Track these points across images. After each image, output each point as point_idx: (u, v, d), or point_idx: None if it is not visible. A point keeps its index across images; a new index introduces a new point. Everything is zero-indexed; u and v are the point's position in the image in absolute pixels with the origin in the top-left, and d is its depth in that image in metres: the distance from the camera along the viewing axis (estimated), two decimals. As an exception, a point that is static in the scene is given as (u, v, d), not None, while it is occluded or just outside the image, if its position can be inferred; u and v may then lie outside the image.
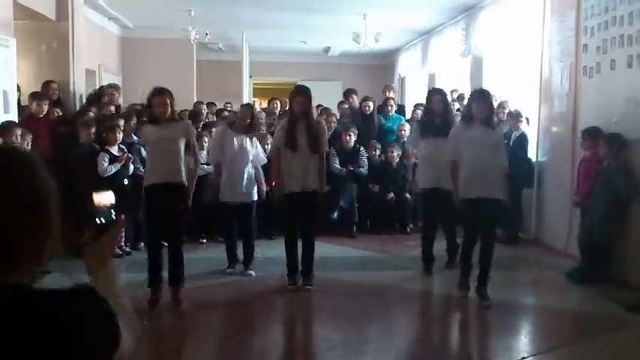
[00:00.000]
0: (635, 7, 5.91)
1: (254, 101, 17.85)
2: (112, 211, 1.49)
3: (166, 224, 5.30)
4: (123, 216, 6.82)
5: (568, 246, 6.93)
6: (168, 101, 5.29)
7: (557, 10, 7.52)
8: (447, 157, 5.57)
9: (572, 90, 7.11)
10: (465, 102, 9.62)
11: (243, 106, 6.99)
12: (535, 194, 7.88)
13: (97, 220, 1.46)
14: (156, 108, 5.28)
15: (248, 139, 6.38)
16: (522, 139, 7.83)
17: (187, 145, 5.35)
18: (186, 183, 5.32)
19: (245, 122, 6.38)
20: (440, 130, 6.03)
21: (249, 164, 6.35)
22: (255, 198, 6.40)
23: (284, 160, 5.78)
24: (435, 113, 6.32)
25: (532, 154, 7.98)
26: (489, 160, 5.30)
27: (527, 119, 8.08)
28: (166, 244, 5.67)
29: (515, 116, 7.95)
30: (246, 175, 6.29)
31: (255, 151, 6.46)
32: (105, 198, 1.48)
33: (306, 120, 5.73)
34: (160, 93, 5.30)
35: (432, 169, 6.18)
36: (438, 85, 12.73)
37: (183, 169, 5.29)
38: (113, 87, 8.69)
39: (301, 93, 5.81)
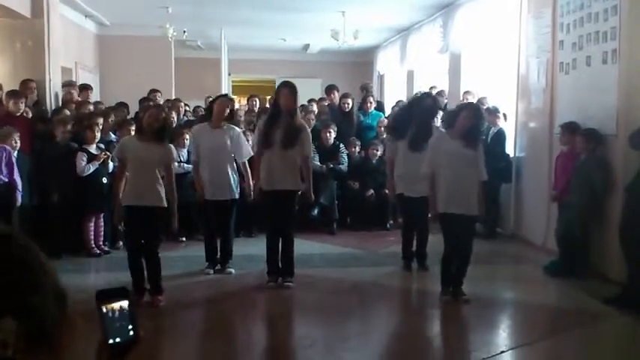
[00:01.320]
0: (609, 3, 5.98)
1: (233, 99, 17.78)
2: (129, 322, 1.09)
3: (145, 236, 5.29)
4: (102, 215, 6.87)
5: (546, 240, 7.00)
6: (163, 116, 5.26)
7: (534, 7, 7.59)
8: (425, 170, 5.48)
9: (549, 86, 7.18)
10: (445, 98, 9.74)
11: (220, 97, 6.58)
12: (513, 189, 7.95)
13: (110, 339, 1.07)
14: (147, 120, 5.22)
15: (227, 134, 6.14)
16: (500, 135, 7.90)
17: (165, 169, 5.30)
18: (165, 206, 5.24)
19: (223, 115, 6.14)
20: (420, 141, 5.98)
21: (230, 160, 6.16)
22: (237, 196, 6.21)
23: (262, 157, 5.75)
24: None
25: (510, 149, 8.04)
26: (468, 176, 5.26)
27: (504, 115, 8.15)
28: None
29: (493, 112, 8.01)
30: (225, 172, 6.10)
31: (238, 144, 6.19)
32: (115, 301, 1.09)
33: (288, 117, 5.64)
34: (157, 107, 5.30)
35: (407, 178, 6.17)
36: (416, 82, 12.85)
37: (161, 190, 5.22)
38: (70, 85, 8.55)
39: (286, 85, 5.72)
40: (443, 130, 5.65)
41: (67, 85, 8.63)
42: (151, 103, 8.62)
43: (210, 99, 7.99)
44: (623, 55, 5.81)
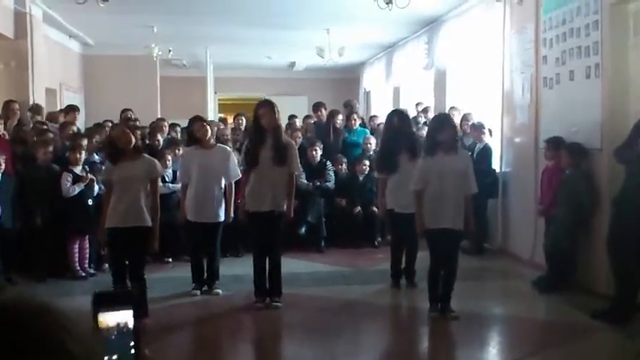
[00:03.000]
0: (591, 19, 6.03)
1: (221, 118, 17.76)
2: (130, 338, 0.95)
3: (130, 258, 5.23)
4: (87, 237, 6.78)
5: (534, 255, 6.99)
6: (131, 137, 5.23)
7: (517, 23, 7.65)
8: (413, 187, 5.47)
9: (534, 101, 7.21)
10: (430, 115, 9.78)
11: (195, 120, 6.34)
12: (500, 205, 7.96)
13: (106, 356, 0.93)
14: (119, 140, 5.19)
15: (218, 155, 6.11)
16: (486, 151, 7.92)
17: (151, 183, 5.25)
18: (151, 224, 5.19)
19: (206, 136, 6.09)
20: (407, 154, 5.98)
21: (218, 182, 6.10)
22: (222, 219, 6.15)
23: (250, 177, 5.72)
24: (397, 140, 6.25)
25: (496, 165, 8.06)
26: (456, 191, 5.27)
27: (490, 131, 8.18)
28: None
29: (479, 128, 8.04)
30: (212, 194, 6.05)
31: (229, 165, 6.14)
32: (112, 317, 0.95)
33: (273, 135, 5.62)
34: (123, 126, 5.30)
35: (401, 193, 6.11)
36: (402, 98, 12.91)
37: (146, 209, 5.17)
38: (35, 111, 8.36)
39: (265, 104, 5.73)
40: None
41: (33, 110, 8.33)
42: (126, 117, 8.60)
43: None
44: (605, 70, 5.85)
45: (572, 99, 6.36)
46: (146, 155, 5.46)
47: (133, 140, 5.21)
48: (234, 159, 6.33)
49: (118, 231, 5.15)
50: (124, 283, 5.22)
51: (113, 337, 0.92)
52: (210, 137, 6.20)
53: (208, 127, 6.23)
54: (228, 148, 6.44)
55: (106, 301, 0.94)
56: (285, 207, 5.69)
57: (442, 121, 5.63)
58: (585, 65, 6.13)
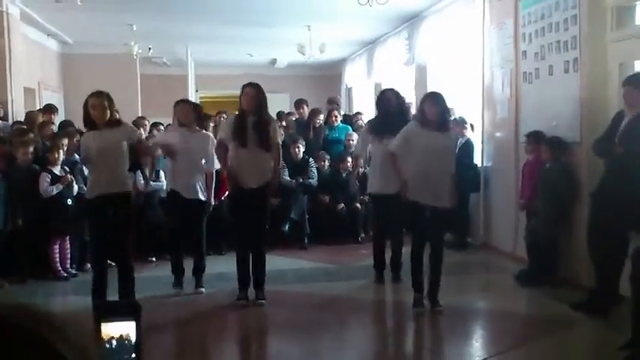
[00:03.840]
0: (569, 13, 6.09)
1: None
2: (132, 350, 0.92)
3: (113, 238, 5.20)
4: (67, 238, 6.73)
5: (515, 249, 7.06)
6: (106, 104, 5.20)
7: (496, 18, 7.69)
8: (392, 149, 5.48)
9: (514, 95, 7.27)
10: (412, 110, 9.82)
11: (180, 103, 6.44)
12: (482, 199, 8.01)
13: None
14: (92, 110, 5.18)
15: (195, 135, 6.12)
16: (468, 146, 7.97)
17: (137, 143, 5.28)
18: (131, 190, 5.29)
19: (190, 118, 6.12)
20: (395, 127, 5.91)
21: (198, 164, 6.10)
22: (204, 199, 6.13)
23: (233, 156, 5.69)
24: (389, 112, 6.26)
25: (478, 159, 8.12)
26: (439, 168, 5.28)
27: (471, 125, 8.23)
28: (114, 263, 5.56)
29: (461, 123, 8.08)
30: (193, 174, 6.04)
31: (206, 150, 6.13)
32: (114, 327, 0.92)
33: (257, 116, 5.62)
34: (98, 95, 5.23)
35: (381, 174, 6.15)
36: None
37: (128, 175, 5.21)
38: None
39: (250, 85, 5.75)
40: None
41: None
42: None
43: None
44: (584, 64, 5.91)
45: (552, 93, 6.41)
46: (124, 123, 5.49)
47: (108, 114, 5.20)
48: (213, 149, 6.26)
49: (100, 199, 5.16)
50: (105, 264, 5.23)
51: (114, 347, 0.90)
52: (193, 120, 6.19)
53: (190, 108, 6.28)
54: (210, 135, 6.42)
55: (108, 311, 0.92)
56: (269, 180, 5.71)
57: (431, 97, 5.59)
58: (564, 60, 6.18)
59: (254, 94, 5.65)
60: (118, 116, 5.55)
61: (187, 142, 6.05)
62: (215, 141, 6.18)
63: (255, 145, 5.59)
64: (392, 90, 6.69)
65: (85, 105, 5.32)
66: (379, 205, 6.43)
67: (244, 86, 5.78)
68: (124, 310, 0.93)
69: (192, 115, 6.18)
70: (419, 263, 5.42)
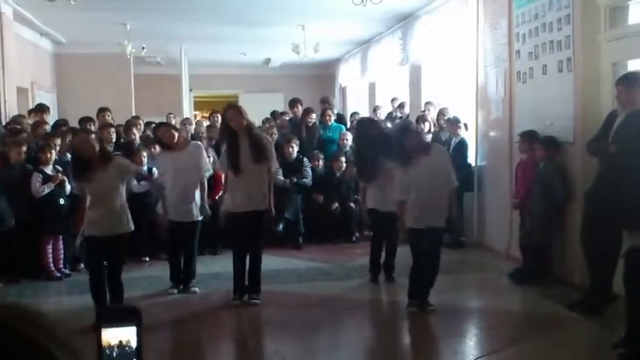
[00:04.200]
0: (562, 13, 6.10)
1: (195, 115, 17.65)
2: (133, 356, 0.91)
3: (109, 262, 5.24)
4: (61, 238, 6.70)
5: (510, 248, 7.07)
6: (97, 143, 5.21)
7: (490, 18, 7.71)
8: (397, 198, 5.45)
9: (508, 95, 7.28)
10: (406, 110, 9.85)
11: (161, 126, 6.47)
12: (476, 198, 8.03)
13: None
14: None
15: (187, 155, 6.06)
16: (461, 145, 7.98)
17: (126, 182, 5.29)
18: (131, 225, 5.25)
19: (172, 140, 6.06)
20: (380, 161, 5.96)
21: (195, 181, 6.08)
22: (200, 218, 6.16)
23: (230, 179, 5.70)
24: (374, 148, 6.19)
25: (471, 159, 8.13)
26: (438, 191, 5.28)
27: (465, 125, 8.24)
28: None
29: (454, 122, 8.09)
30: (191, 194, 6.04)
31: (200, 159, 6.12)
32: (114, 333, 0.91)
33: (248, 135, 5.61)
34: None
35: (379, 192, 6.16)
36: (378, 94, 12.95)
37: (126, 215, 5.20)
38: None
39: (230, 108, 5.85)
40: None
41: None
42: (112, 119, 8.52)
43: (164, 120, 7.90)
44: (577, 64, 5.93)
45: (546, 93, 6.43)
46: (115, 157, 5.41)
47: (97, 147, 5.14)
48: (205, 155, 6.31)
49: (96, 239, 5.13)
50: (102, 285, 5.20)
51: (115, 354, 0.90)
52: (179, 139, 6.14)
53: (174, 130, 6.25)
54: (200, 144, 6.41)
55: (109, 317, 0.92)
56: (266, 205, 5.69)
57: (404, 128, 5.71)
58: (557, 59, 6.20)
59: (239, 113, 5.67)
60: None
61: (180, 163, 6.00)
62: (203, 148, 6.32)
63: (251, 165, 5.57)
64: (369, 121, 6.74)
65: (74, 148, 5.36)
66: (375, 218, 6.46)
67: (225, 111, 5.84)
68: (125, 315, 0.92)
69: (175, 136, 6.10)
70: (417, 282, 5.43)
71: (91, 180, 5.13)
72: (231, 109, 5.81)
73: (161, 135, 6.16)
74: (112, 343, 0.90)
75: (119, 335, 0.91)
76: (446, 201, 5.34)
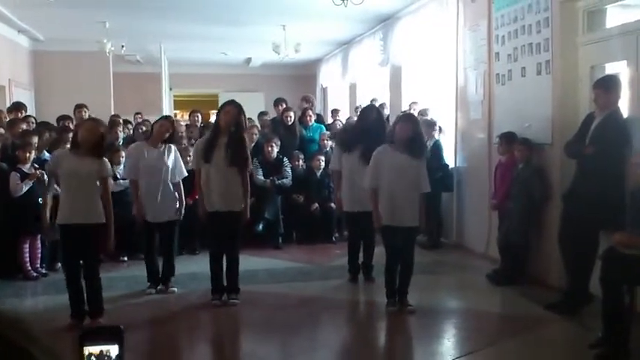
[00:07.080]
0: (541, 16, 6.16)
1: (175, 114, 17.56)
2: None
3: (84, 256, 5.12)
4: (38, 237, 6.60)
5: (488, 249, 7.12)
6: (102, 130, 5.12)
7: (470, 20, 7.75)
8: (367, 185, 5.50)
9: (487, 97, 7.33)
10: (386, 110, 9.86)
11: (161, 118, 6.46)
12: (455, 199, 8.07)
13: None
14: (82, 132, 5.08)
15: (166, 152, 6.03)
16: (437, 147, 8.00)
17: (101, 183, 5.12)
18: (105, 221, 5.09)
19: (163, 136, 6.04)
20: (371, 141, 5.93)
21: (169, 179, 6.03)
22: (176, 217, 6.10)
23: (204, 175, 5.65)
24: (365, 128, 6.21)
25: (450, 160, 8.17)
26: (411, 189, 5.33)
27: (440, 128, 8.30)
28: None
29: (430, 125, 8.11)
30: (165, 192, 5.98)
31: (175, 163, 6.09)
32: (102, 344, 0.91)
33: (229, 135, 5.54)
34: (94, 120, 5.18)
35: (349, 188, 6.20)
36: (359, 95, 12.97)
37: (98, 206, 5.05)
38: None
39: (229, 103, 5.68)
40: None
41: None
42: (88, 116, 8.43)
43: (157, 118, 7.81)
44: (555, 66, 5.98)
45: (524, 95, 6.48)
46: (100, 157, 5.32)
47: (95, 138, 5.06)
48: (179, 157, 6.24)
49: (70, 227, 5.02)
50: (78, 281, 5.11)
51: None
52: (158, 135, 6.08)
53: (170, 125, 6.20)
54: (173, 146, 6.27)
55: (91, 337, 0.91)
56: (241, 207, 5.65)
57: (404, 118, 5.69)
58: (536, 62, 6.25)
59: (235, 113, 5.56)
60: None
61: (153, 160, 5.95)
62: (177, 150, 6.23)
63: (225, 165, 5.51)
64: (373, 106, 6.79)
65: (79, 128, 5.25)
66: (350, 220, 6.53)
67: (226, 104, 5.70)
68: (107, 335, 0.91)
69: (169, 130, 6.08)
70: (393, 279, 5.49)
71: (68, 155, 5.10)
72: (229, 105, 5.65)
73: (158, 126, 6.09)
74: (93, 353, 0.90)
75: (99, 347, 0.91)
76: (416, 202, 5.37)
